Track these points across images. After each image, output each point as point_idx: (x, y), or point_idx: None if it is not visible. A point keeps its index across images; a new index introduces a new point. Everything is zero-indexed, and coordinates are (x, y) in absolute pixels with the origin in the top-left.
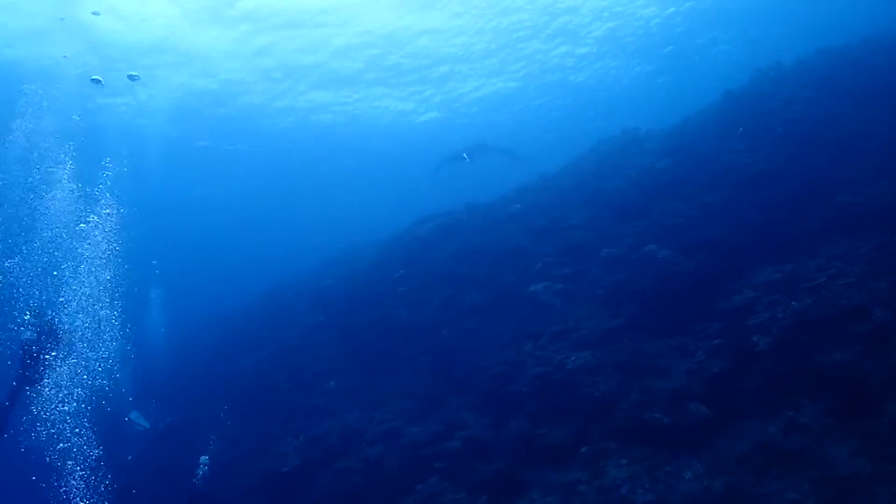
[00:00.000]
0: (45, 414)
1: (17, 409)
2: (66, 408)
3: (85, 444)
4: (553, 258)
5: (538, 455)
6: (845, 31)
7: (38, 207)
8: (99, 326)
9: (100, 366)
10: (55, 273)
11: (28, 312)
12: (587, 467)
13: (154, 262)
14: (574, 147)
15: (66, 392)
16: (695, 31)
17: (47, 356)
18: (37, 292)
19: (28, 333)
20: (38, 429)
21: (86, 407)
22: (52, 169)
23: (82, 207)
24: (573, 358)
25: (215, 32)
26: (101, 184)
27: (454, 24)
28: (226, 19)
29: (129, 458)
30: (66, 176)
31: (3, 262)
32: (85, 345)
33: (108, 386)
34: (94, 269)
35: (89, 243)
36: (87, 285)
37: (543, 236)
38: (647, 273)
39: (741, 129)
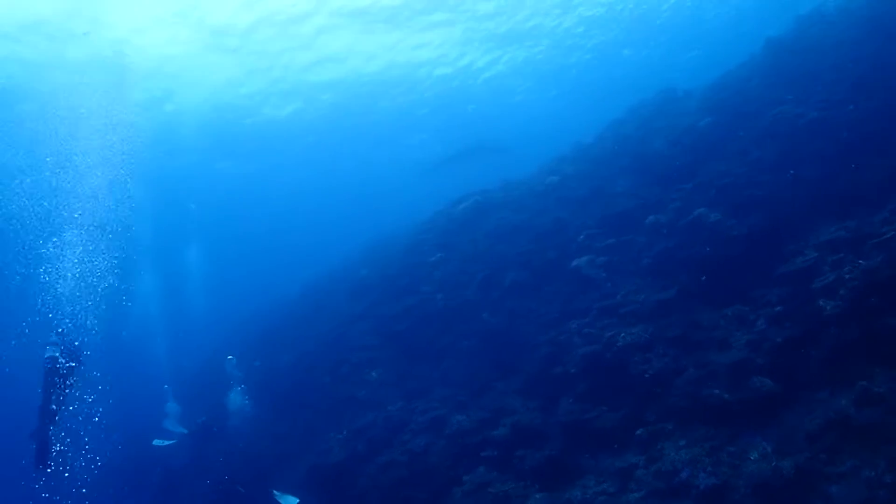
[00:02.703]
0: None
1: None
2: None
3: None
4: (595, 229)
5: (591, 439)
6: None
7: None
8: None
9: None
10: None
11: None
12: (644, 451)
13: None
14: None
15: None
16: None
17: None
18: None
19: (52, 350)
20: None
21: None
22: None
23: None
24: (623, 334)
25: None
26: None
27: None
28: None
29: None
30: None
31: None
32: None
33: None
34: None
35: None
36: None
37: (584, 207)
38: (697, 239)
39: None
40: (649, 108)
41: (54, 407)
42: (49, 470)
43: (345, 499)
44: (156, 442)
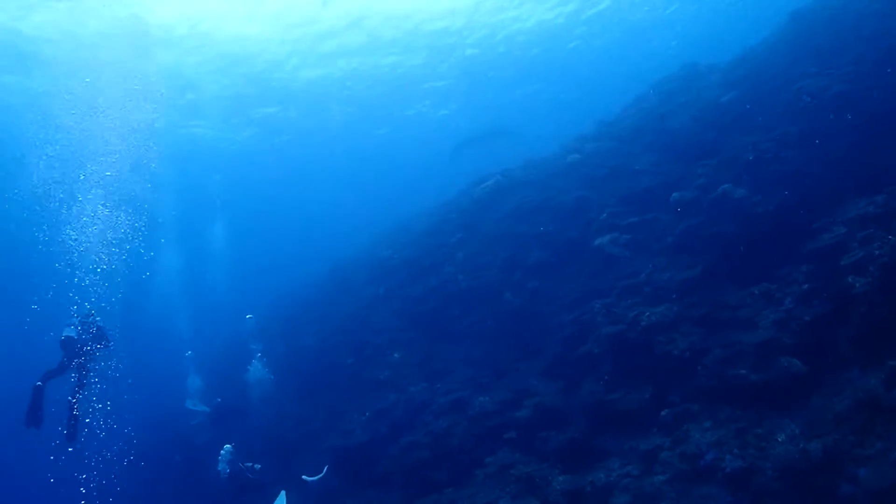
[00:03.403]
0: None
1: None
2: None
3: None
4: (618, 207)
5: (615, 421)
6: None
7: None
8: None
9: None
10: None
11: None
12: (669, 432)
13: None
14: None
15: None
16: None
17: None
18: None
19: (69, 331)
20: None
21: None
22: None
23: None
24: (647, 314)
25: None
26: None
27: None
28: None
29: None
30: None
31: None
32: None
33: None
34: None
35: None
36: None
37: (606, 185)
38: (722, 215)
39: None
40: (672, 84)
41: (75, 384)
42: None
43: (367, 480)
44: (189, 403)
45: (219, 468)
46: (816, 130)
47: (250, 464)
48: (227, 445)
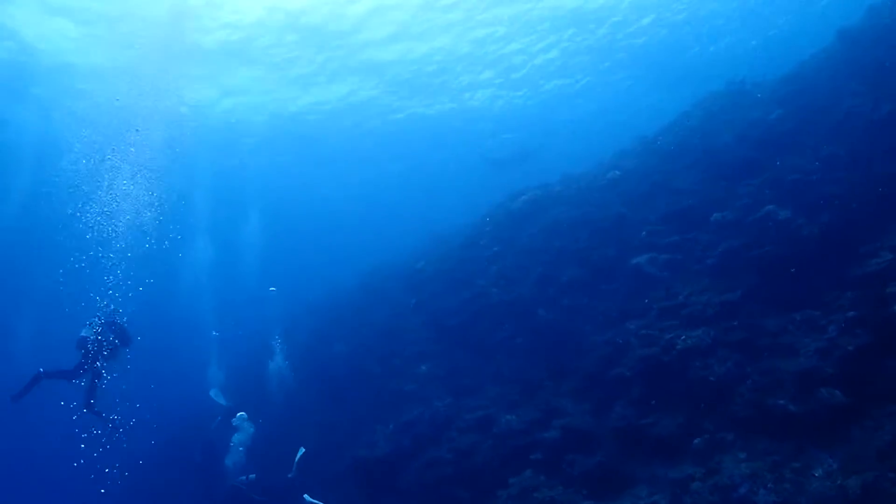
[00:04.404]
0: None
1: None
2: None
3: None
4: (657, 226)
5: (645, 447)
6: None
7: None
8: None
9: None
10: None
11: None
12: (701, 462)
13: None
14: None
15: None
16: None
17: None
18: None
19: (85, 331)
20: None
21: None
22: None
23: None
24: (684, 337)
25: None
26: None
27: None
28: None
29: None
30: None
31: None
32: None
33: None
34: None
35: None
36: None
37: (646, 203)
38: (765, 237)
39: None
40: (717, 101)
41: (84, 383)
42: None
43: (387, 494)
44: (212, 392)
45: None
46: (865, 151)
47: (243, 477)
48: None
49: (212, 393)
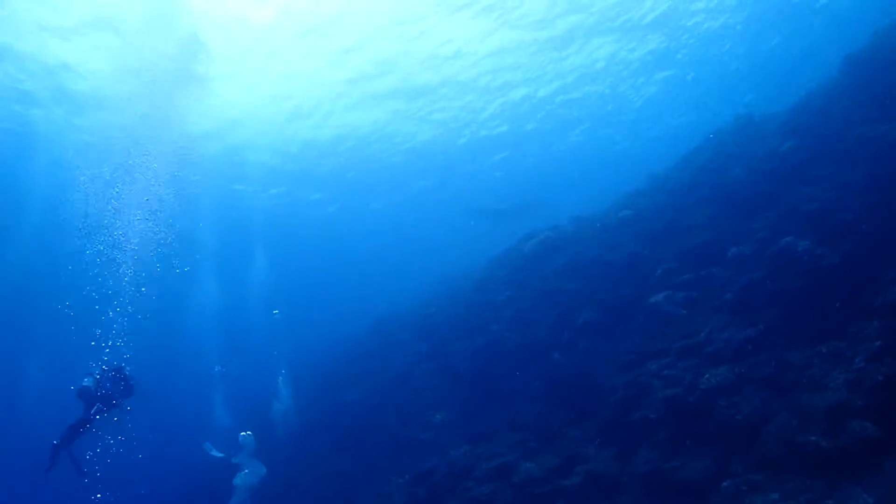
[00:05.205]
0: None
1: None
2: None
3: None
4: (673, 263)
5: (672, 491)
6: None
7: None
8: None
9: None
10: None
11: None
12: None
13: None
14: None
15: None
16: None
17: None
18: None
19: (88, 381)
20: None
21: None
22: None
23: None
24: (707, 376)
25: None
26: None
27: None
28: None
29: None
30: None
31: None
32: None
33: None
34: None
35: None
36: None
37: (660, 241)
38: (785, 270)
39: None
40: (727, 136)
41: (81, 430)
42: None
43: None
44: (206, 446)
45: None
46: (881, 176)
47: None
48: None
49: (205, 447)
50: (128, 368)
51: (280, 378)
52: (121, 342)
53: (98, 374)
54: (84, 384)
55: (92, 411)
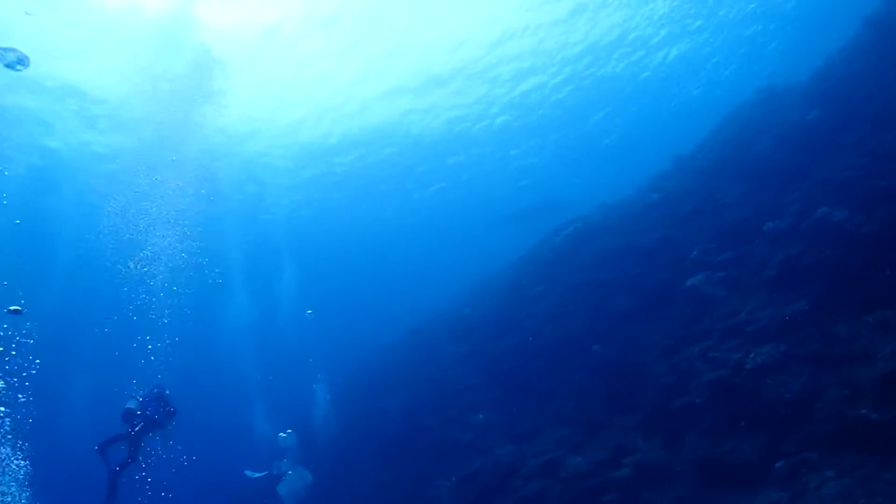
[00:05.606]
0: None
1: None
2: None
3: None
4: (708, 244)
5: (724, 476)
6: None
7: None
8: None
9: None
10: None
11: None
12: (786, 485)
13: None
14: None
15: None
16: None
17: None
18: None
19: (131, 403)
20: None
21: None
22: None
23: None
24: (752, 355)
25: None
26: None
27: None
28: None
29: None
30: None
31: None
32: None
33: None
34: None
35: None
36: None
37: (692, 222)
38: (823, 241)
39: None
40: (750, 110)
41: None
42: None
43: None
44: (247, 472)
45: None
46: None
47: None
48: None
49: (247, 474)
50: (167, 391)
51: (317, 385)
52: (153, 356)
53: (140, 398)
54: (128, 407)
55: (135, 430)
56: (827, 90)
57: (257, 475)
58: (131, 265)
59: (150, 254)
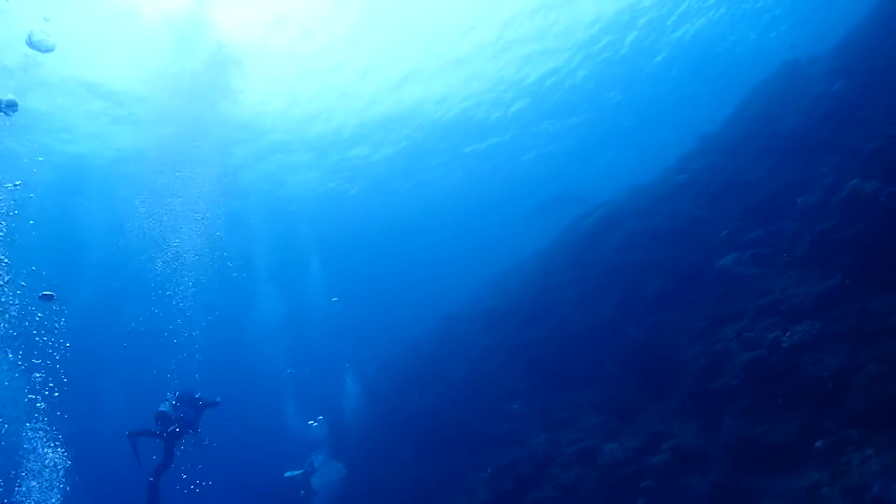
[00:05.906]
0: None
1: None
2: None
3: None
4: (738, 223)
5: (763, 458)
6: None
7: None
8: None
9: None
10: None
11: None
12: (826, 465)
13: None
14: None
15: None
16: None
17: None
18: None
19: (164, 406)
20: None
21: None
22: None
23: None
24: (788, 334)
25: None
26: None
27: None
28: None
29: None
30: None
31: None
32: None
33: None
34: None
35: None
36: None
37: (721, 201)
38: (856, 214)
39: None
40: (774, 84)
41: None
42: None
43: None
44: (287, 474)
45: None
46: None
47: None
48: None
49: (287, 475)
50: (198, 393)
51: (347, 377)
52: (185, 354)
53: (174, 400)
54: (161, 409)
55: (168, 431)
56: (851, 61)
57: (296, 473)
58: (159, 264)
59: (176, 252)
